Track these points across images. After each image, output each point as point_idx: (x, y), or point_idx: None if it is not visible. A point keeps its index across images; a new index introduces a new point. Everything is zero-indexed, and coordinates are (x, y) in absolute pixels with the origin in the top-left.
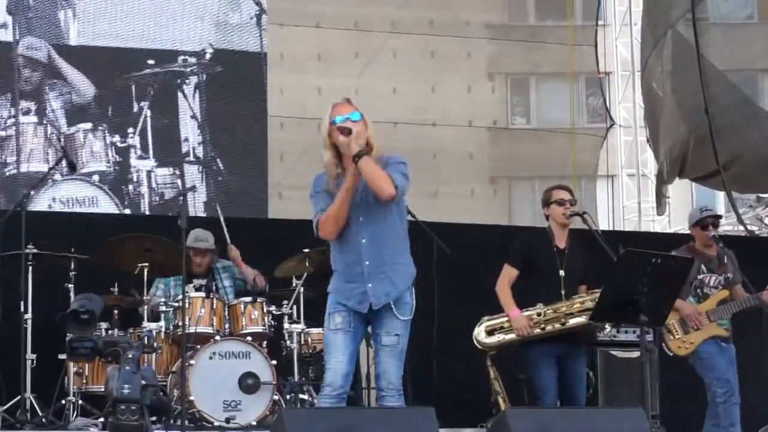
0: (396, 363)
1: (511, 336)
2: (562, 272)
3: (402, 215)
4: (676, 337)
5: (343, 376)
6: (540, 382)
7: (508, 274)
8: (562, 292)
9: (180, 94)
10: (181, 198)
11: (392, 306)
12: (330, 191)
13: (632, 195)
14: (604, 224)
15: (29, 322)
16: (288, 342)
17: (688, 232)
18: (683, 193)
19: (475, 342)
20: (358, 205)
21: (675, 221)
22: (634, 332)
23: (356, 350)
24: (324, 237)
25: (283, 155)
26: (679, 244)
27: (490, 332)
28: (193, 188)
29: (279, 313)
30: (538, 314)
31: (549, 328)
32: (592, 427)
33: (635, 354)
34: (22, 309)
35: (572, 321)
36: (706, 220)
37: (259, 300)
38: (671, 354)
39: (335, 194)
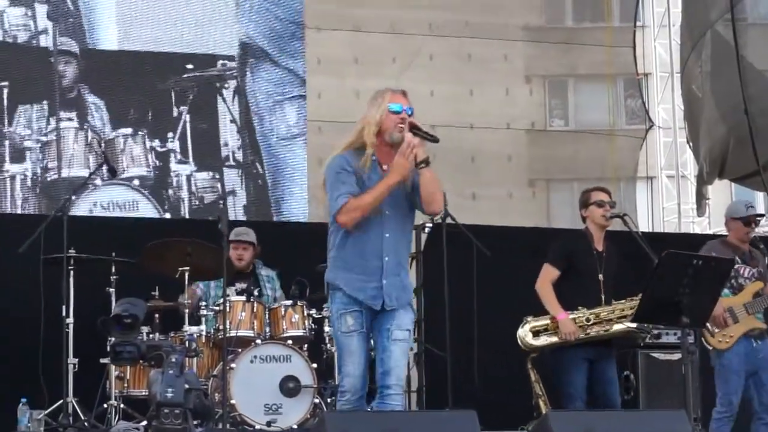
0: (404, 359)
1: (555, 339)
2: (601, 276)
3: (413, 222)
4: (716, 331)
5: (362, 380)
6: (570, 386)
7: (550, 274)
8: (602, 296)
9: (219, 99)
10: (221, 202)
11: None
12: (357, 172)
13: (672, 196)
14: (643, 226)
15: (71, 326)
16: (328, 345)
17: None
18: (723, 194)
19: (520, 343)
20: (385, 198)
21: (715, 222)
22: (675, 334)
23: (369, 349)
24: (343, 223)
25: (321, 159)
26: None
27: (535, 333)
28: (233, 192)
29: (319, 316)
30: (587, 320)
31: (592, 333)
32: (634, 430)
33: (676, 356)
34: (64, 313)
35: (616, 327)
36: (750, 218)
37: (299, 303)
38: (711, 348)
39: (363, 178)
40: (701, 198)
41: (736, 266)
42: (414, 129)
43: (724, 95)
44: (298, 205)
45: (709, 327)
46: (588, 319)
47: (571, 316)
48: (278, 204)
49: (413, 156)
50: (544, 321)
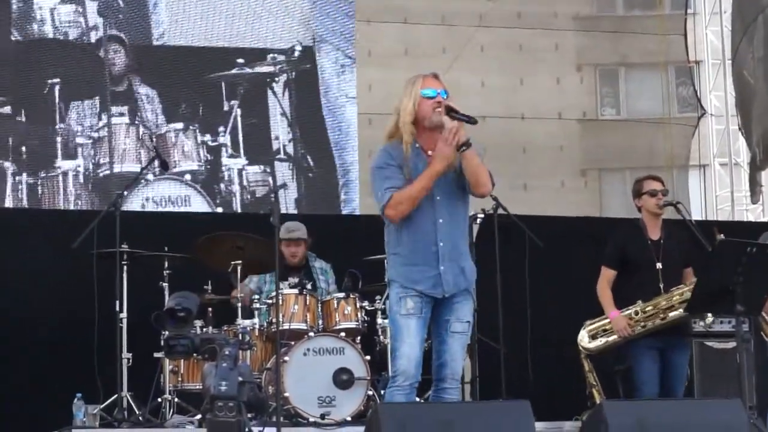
0: (462, 352)
1: (614, 337)
2: (659, 264)
3: (468, 206)
4: None
5: (417, 365)
6: (641, 373)
7: (606, 275)
8: (661, 286)
9: (270, 92)
10: (273, 195)
11: (465, 291)
12: (402, 164)
13: (725, 184)
14: (697, 214)
15: (124, 321)
16: (381, 337)
17: None
18: None
19: (579, 347)
20: (434, 184)
21: None
22: (730, 322)
23: (425, 338)
24: (391, 217)
25: (372, 152)
26: None
27: (593, 336)
28: (284, 186)
29: (372, 308)
30: (636, 313)
31: (649, 325)
32: (689, 419)
33: (731, 344)
34: (117, 308)
35: (672, 314)
36: None
37: (352, 296)
38: None
39: (408, 168)
40: (755, 185)
41: None
42: (451, 112)
43: None
44: (350, 197)
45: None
46: (637, 312)
47: (625, 312)
48: (329, 196)
49: (456, 141)
50: (601, 322)
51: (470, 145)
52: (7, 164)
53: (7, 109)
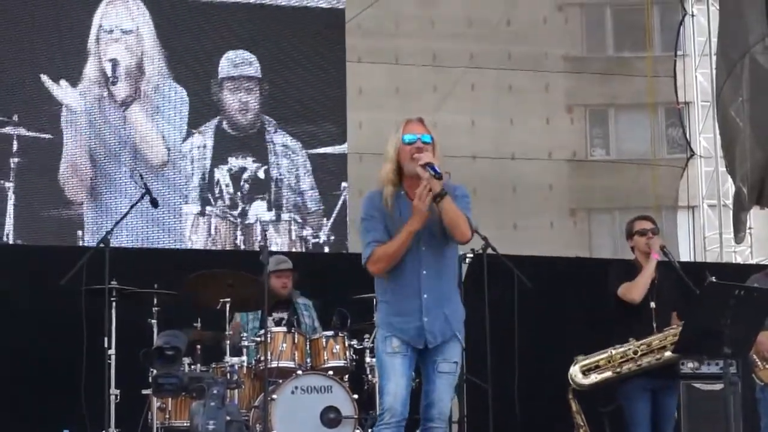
0: (450, 392)
1: (607, 374)
2: (653, 304)
3: (457, 249)
4: (766, 367)
5: (403, 402)
6: (634, 415)
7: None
8: (654, 325)
9: None
10: (264, 232)
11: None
12: (385, 213)
13: (713, 226)
14: (685, 256)
15: (113, 357)
16: (369, 376)
17: None
18: (766, 223)
19: (570, 382)
20: (419, 234)
21: (757, 252)
22: (717, 365)
23: (411, 377)
24: (373, 272)
25: (362, 191)
26: None
27: (585, 372)
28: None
29: (360, 346)
30: (635, 352)
31: (644, 363)
32: None
33: (718, 387)
34: (106, 345)
35: (667, 354)
36: None
37: (340, 334)
38: (762, 384)
39: (390, 215)
40: (739, 223)
41: None
42: (426, 165)
43: (761, 122)
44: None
45: (758, 361)
46: (636, 351)
47: (620, 349)
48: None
49: (430, 197)
50: (594, 358)
51: (444, 196)
52: None
53: None
